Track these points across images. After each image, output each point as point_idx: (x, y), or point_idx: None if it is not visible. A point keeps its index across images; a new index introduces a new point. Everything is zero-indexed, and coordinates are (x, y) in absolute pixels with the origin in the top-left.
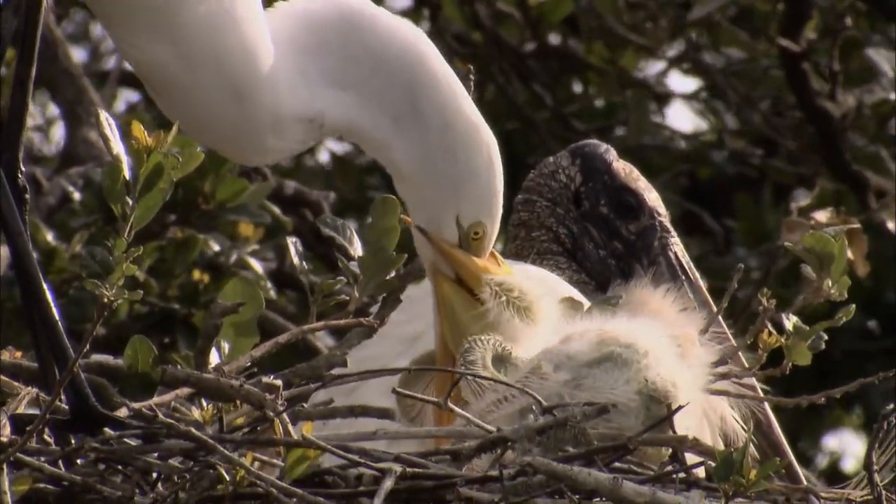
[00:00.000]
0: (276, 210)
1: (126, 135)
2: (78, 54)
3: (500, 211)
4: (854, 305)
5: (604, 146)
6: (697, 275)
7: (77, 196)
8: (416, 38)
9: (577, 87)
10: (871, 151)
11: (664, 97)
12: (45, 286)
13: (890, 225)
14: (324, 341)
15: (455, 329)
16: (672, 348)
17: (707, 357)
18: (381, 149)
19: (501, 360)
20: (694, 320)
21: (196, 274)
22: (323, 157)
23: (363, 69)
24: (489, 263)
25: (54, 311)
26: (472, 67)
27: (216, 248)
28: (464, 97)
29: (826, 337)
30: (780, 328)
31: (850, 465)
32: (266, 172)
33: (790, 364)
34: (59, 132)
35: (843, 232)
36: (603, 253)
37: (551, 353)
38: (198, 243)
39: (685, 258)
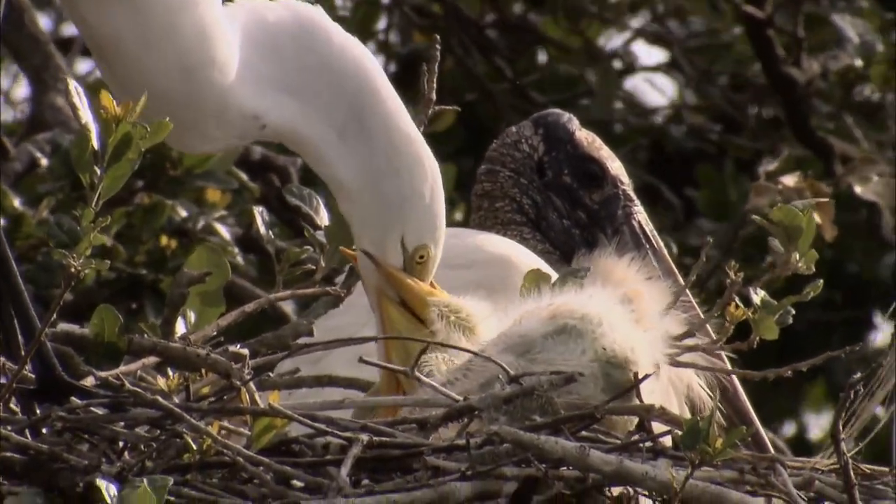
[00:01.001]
0: (244, 176)
1: (94, 104)
2: (43, 21)
3: (443, 237)
4: (821, 280)
5: (566, 115)
6: (661, 243)
7: (44, 162)
8: (366, 58)
9: (539, 60)
10: (836, 118)
11: (628, 69)
12: (10, 255)
13: (857, 189)
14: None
15: (403, 352)
16: (626, 314)
17: (659, 307)
18: (326, 164)
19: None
20: (659, 289)
21: (164, 240)
22: None
23: (314, 80)
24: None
25: (20, 280)
26: (437, 37)
27: (184, 213)
28: (408, 120)
29: (793, 311)
30: (745, 300)
31: (815, 434)
32: None
33: (757, 339)
34: (23, 97)
35: (812, 204)
36: (567, 223)
37: (505, 336)
38: (165, 209)
39: (649, 227)
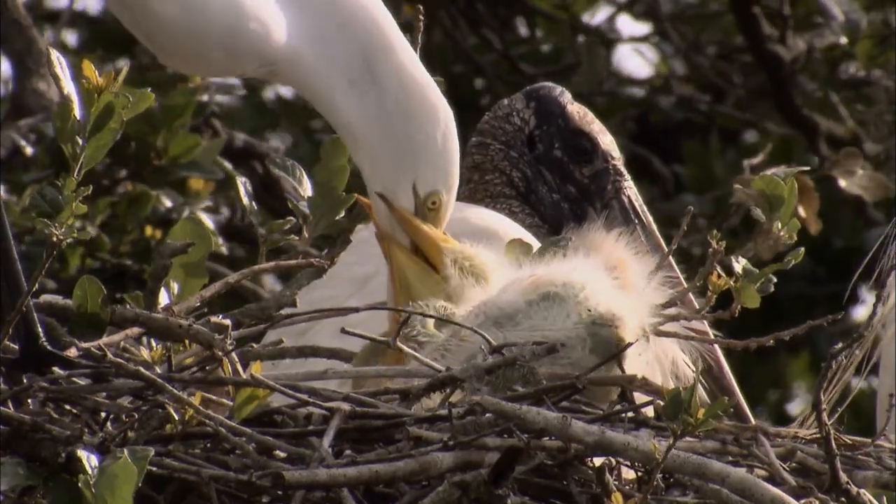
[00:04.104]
0: (228, 166)
1: (77, 75)
2: None
3: (457, 184)
4: (803, 248)
5: (558, 89)
6: (651, 218)
7: (29, 150)
8: (379, 9)
9: (524, 32)
10: (820, 96)
11: (613, 42)
12: (6, 224)
13: (842, 183)
14: (274, 288)
15: (412, 299)
16: (610, 282)
17: (645, 273)
18: (336, 110)
19: (442, 321)
20: (646, 264)
21: (148, 230)
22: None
23: (328, 28)
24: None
25: (13, 248)
26: (421, 8)
27: (168, 203)
28: (422, 69)
29: (775, 280)
30: (729, 272)
31: (797, 406)
32: (217, 127)
33: (739, 307)
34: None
35: (793, 174)
36: (556, 196)
37: (484, 308)
38: (150, 199)
39: (638, 202)
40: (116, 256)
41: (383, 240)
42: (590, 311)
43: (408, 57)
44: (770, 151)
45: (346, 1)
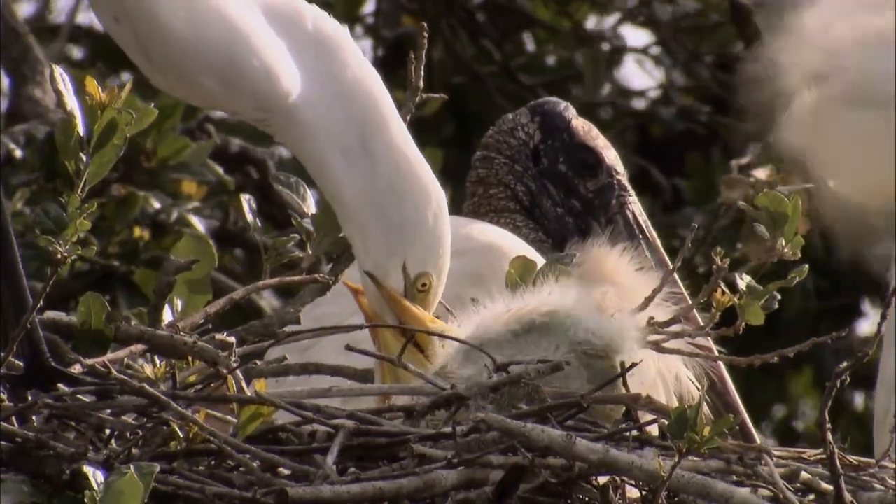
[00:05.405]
0: (219, 169)
1: (79, 91)
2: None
3: (447, 267)
4: (807, 266)
5: (563, 104)
6: (655, 234)
7: (19, 154)
8: (377, 86)
9: (527, 43)
10: None
11: (616, 52)
12: (13, 241)
13: (831, 184)
14: (270, 302)
15: (397, 380)
16: (591, 303)
17: (630, 305)
18: (326, 178)
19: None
20: (650, 280)
21: (137, 231)
22: None
23: (327, 98)
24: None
25: (18, 261)
26: (425, 24)
27: (157, 205)
28: (414, 148)
29: (779, 297)
30: (732, 287)
31: (801, 424)
32: (212, 132)
33: (743, 324)
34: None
35: (798, 190)
36: (560, 211)
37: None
38: (138, 201)
39: (643, 217)
40: (105, 258)
41: (371, 321)
42: (579, 343)
43: (401, 135)
44: (759, 153)
45: (348, 72)
